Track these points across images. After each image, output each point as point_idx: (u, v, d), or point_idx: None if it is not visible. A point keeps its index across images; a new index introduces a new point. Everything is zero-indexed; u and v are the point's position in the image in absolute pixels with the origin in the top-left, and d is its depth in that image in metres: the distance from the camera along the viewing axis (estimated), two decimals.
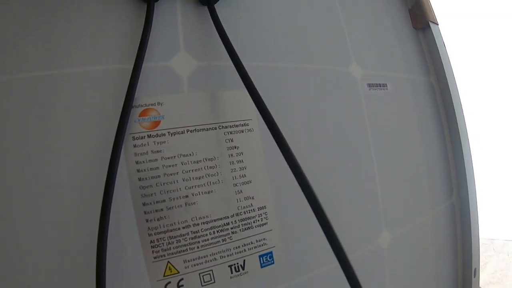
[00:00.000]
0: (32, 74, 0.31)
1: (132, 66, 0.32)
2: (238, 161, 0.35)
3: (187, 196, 0.33)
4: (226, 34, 0.35)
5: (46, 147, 0.30)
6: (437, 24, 0.58)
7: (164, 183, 0.33)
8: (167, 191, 0.33)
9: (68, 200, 0.30)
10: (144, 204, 0.32)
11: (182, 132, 0.34)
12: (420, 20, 0.58)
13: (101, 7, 0.34)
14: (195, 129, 0.34)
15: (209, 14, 0.36)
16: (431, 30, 0.57)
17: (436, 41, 0.56)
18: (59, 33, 0.33)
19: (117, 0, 0.34)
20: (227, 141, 0.35)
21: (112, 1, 0.34)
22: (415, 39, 0.58)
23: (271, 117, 0.32)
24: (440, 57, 0.56)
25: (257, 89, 0.34)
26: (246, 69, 0.34)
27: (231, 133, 0.36)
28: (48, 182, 0.30)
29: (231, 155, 0.35)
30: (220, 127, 0.35)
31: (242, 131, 0.36)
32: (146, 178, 0.32)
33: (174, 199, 0.33)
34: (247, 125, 0.36)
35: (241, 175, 0.36)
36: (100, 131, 0.32)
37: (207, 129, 0.35)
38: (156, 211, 0.32)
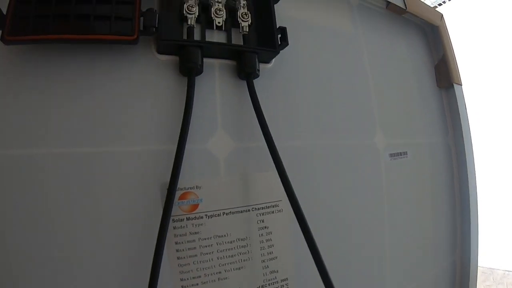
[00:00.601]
0: (73, 150, 0.32)
1: (170, 146, 0.34)
2: (267, 240, 0.38)
3: (220, 272, 0.37)
4: (262, 113, 0.37)
5: (91, 225, 0.32)
6: (461, 85, 0.58)
7: (200, 261, 0.36)
8: (203, 268, 0.36)
9: (112, 276, 0.32)
10: (181, 280, 0.35)
11: (218, 215, 0.37)
12: (445, 80, 0.59)
13: (139, 85, 0.35)
14: (230, 212, 0.37)
15: (246, 89, 0.38)
16: (454, 91, 0.58)
17: (458, 102, 0.58)
18: (99, 110, 0.33)
19: (156, 76, 0.36)
20: (258, 222, 0.38)
21: (151, 77, 0.36)
22: (438, 98, 0.60)
23: (296, 201, 0.35)
24: (460, 118, 0.58)
25: (287, 169, 0.36)
26: (278, 150, 0.37)
27: (262, 214, 0.38)
28: (93, 256, 0.32)
29: (261, 234, 0.38)
30: (253, 209, 0.38)
31: (273, 212, 0.39)
32: (184, 257, 0.35)
33: (208, 274, 0.36)
34: (277, 206, 0.39)
35: (269, 252, 0.39)
36: (140, 211, 0.34)
37: (241, 211, 0.37)
38: (192, 285, 0.36)
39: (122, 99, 0.34)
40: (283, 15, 0.43)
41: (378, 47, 0.53)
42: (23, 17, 0.31)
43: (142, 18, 0.34)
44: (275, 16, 0.39)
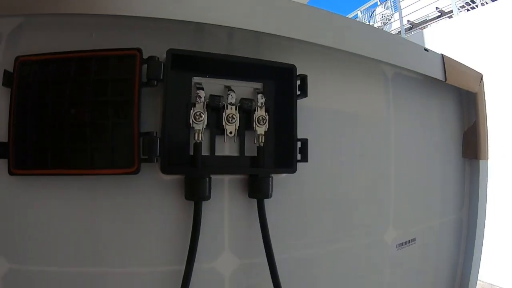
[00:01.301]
0: (77, 270, 0.31)
1: (178, 266, 0.32)
2: None
3: None
4: (268, 232, 0.33)
5: None
6: (486, 160, 0.54)
7: None
8: None
9: None
10: None
11: None
12: (471, 151, 0.54)
13: (143, 207, 0.32)
14: None
15: (256, 206, 0.34)
16: (478, 165, 0.53)
17: (480, 176, 0.54)
18: (104, 233, 0.31)
19: (160, 197, 0.32)
20: None
21: (155, 199, 0.32)
22: (460, 169, 0.55)
23: None
24: (479, 193, 0.54)
25: (290, 281, 0.35)
26: (283, 262, 0.35)
27: None
28: None
29: None
30: None
31: None
32: None
33: None
34: None
35: None
36: None
37: None
38: None
39: (125, 222, 0.31)
40: (303, 105, 0.36)
41: (408, 116, 0.47)
42: (23, 149, 0.30)
43: (141, 143, 0.29)
44: (296, 120, 0.33)
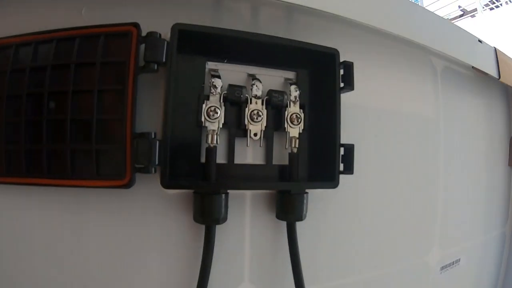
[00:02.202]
0: None
1: None
2: None
3: None
4: (299, 262, 0.26)
5: None
6: None
7: None
8: None
9: None
10: None
11: None
12: None
13: (140, 228, 0.24)
14: None
15: (284, 230, 0.26)
16: None
17: None
18: (93, 257, 0.24)
19: (162, 216, 0.24)
20: None
21: (156, 219, 0.24)
22: (506, 179, 0.48)
23: None
24: None
25: None
26: None
27: None
28: None
29: None
30: None
31: None
32: None
33: None
34: None
35: None
36: None
37: None
38: None
39: (117, 247, 0.24)
40: (347, 103, 0.29)
41: (458, 118, 0.40)
42: None
43: (136, 147, 0.21)
44: (339, 119, 0.26)
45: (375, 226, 0.32)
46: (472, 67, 0.41)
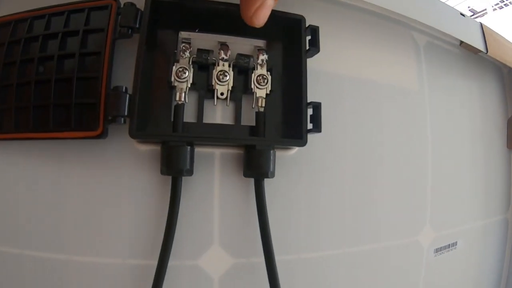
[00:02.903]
0: (41, 255, 0.26)
1: (152, 261, 0.26)
2: None
3: None
4: (267, 221, 0.26)
5: None
6: None
7: None
8: None
9: None
10: None
11: None
12: None
13: (112, 183, 0.26)
14: None
15: (253, 189, 0.27)
16: None
17: None
18: (65, 214, 0.26)
19: (134, 171, 0.26)
20: None
21: (127, 173, 0.26)
22: (505, 163, 0.46)
23: None
24: None
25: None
26: (287, 264, 0.28)
27: None
28: None
29: None
30: None
31: None
32: None
33: None
34: None
35: None
36: None
37: None
38: None
39: (92, 199, 0.26)
40: (318, 69, 0.30)
41: (445, 94, 0.39)
42: None
43: (108, 101, 0.23)
44: (306, 81, 0.27)
45: (355, 195, 0.32)
46: (460, 43, 0.41)
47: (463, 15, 0.39)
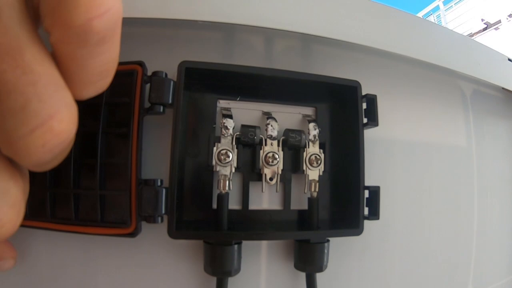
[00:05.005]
0: None
1: None
2: None
3: None
4: None
5: None
6: None
7: None
8: None
9: None
10: None
11: None
12: None
13: (150, 281, 0.22)
14: None
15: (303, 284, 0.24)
16: None
17: None
18: None
19: (172, 272, 0.22)
20: None
21: (166, 273, 0.22)
22: None
23: None
24: None
25: None
26: None
27: None
28: None
29: None
30: None
31: None
32: None
33: None
34: None
35: None
36: None
37: None
38: None
39: None
40: (370, 137, 0.27)
41: (491, 145, 0.36)
42: None
43: (141, 194, 0.20)
44: (363, 161, 0.23)
45: (403, 272, 0.29)
46: (502, 88, 0.38)
47: (510, 60, 0.36)
